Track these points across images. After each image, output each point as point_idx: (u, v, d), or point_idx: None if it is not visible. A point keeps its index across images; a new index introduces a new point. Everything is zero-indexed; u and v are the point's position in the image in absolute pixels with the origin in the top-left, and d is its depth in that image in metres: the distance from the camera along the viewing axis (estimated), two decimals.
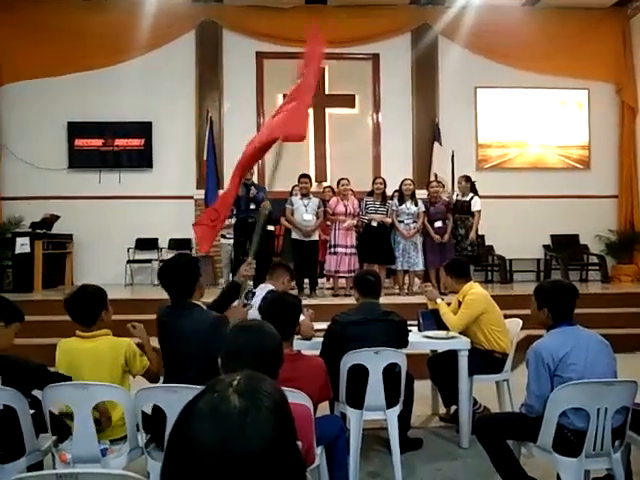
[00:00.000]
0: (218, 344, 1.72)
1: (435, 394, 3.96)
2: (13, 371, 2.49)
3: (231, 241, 6.97)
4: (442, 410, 3.95)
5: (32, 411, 2.36)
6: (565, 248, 8.74)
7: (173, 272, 2.66)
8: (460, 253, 6.60)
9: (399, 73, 9.05)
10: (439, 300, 3.77)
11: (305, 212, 6.34)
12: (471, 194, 6.91)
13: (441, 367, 3.64)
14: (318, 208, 6.42)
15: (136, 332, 2.73)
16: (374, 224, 6.39)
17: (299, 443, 0.77)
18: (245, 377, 0.76)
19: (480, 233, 7.54)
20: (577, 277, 8.73)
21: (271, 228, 6.73)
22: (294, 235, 6.42)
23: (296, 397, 2.08)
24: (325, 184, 8.27)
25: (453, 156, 8.40)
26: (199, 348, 2.48)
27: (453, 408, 3.76)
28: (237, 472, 0.67)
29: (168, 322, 2.62)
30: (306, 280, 6.57)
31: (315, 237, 6.44)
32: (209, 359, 2.55)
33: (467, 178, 7.02)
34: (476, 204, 6.82)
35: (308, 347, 3.17)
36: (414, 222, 6.51)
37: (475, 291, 3.70)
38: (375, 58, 9.15)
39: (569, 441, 2.31)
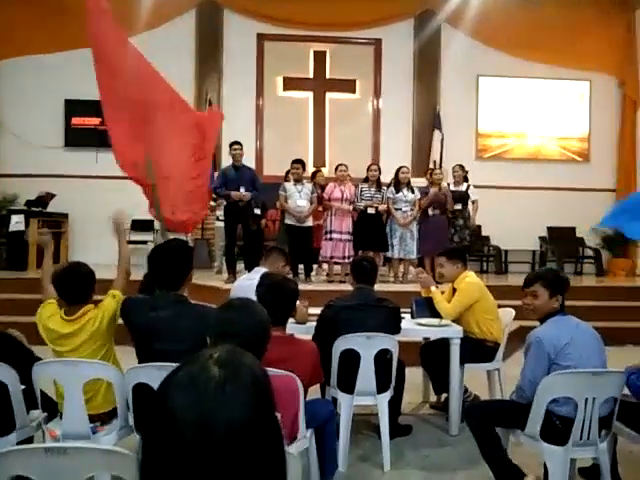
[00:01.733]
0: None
1: (426, 381, 3.98)
2: (7, 347, 2.49)
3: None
4: (433, 398, 3.97)
5: (22, 387, 2.36)
6: (561, 240, 8.76)
7: (165, 258, 2.49)
8: (460, 243, 6.63)
9: (401, 59, 8.99)
10: (433, 288, 3.77)
11: (299, 198, 6.30)
12: (466, 184, 6.94)
13: (433, 355, 3.65)
14: (312, 193, 6.39)
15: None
16: (371, 211, 6.37)
17: (278, 415, 0.77)
18: (225, 350, 0.76)
19: (477, 223, 7.57)
20: (572, 270, 8.76)
21: (257, 212, 6.68)
22: (287, 220, 6.39)
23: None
24: (324, 169, 8.23)
25: (442, 140, 8.29)
26: (196, 347, 2.43)
27: (444, 396, 3.78)
28: (216, 442, 0.67)
29: (154, 318, 2.41)
30: (301, 266, 6.57)
31: (309, 223, 6.41)
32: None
33: (462, 167, 7.03)
34: (474, 193, 6.90)
35: (302, 331, 3.17)
36: (411, 210, 6.51)
37: (470, 280, 3.70)
38: (377, 43, 9.08)
39: (557, 429, 2.33)
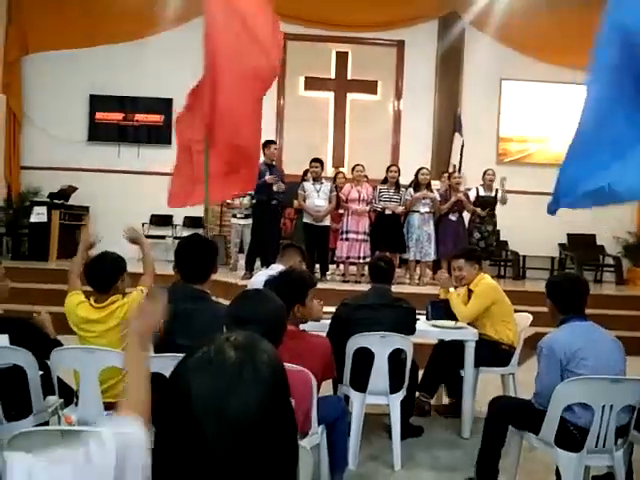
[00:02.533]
0: None
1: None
2: (27, 334, 2.53)
3: (241, 221, 6.96)
4: (445, 400, 3.94)
5: (40, 372, 2.40)
6: (581, 247, 8.63)
7: (193, 251, 2.52)
8: (486, 249, 6.56)
9: (423, 61, 8.94)
10: (452, 289, 3.74)
11: (317, 198, 6.31)
12: (496, 188, 6.81)
13: (446, 357, 3.62)
14: (330, 192, 6.39)
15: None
16: (388, 212, 6.36)
17: (292, 401, 0.77)
18: (242, 335, 0.76)
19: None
20: (592, 277, 8.62)
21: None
22: (305, 219, 6.40)
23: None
24: (342, 169, 8.22)
25: (463, 146, 8.15)
26: None
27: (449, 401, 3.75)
28: (230, 424, 0.67)
29: (170, 309, 2.39)
30: (317, 265, 6.56)
31: (327, 222, 6.42)
32: None
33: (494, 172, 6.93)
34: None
35: (316, 329, 3.16)
36: (429, 213, 6.49)
37: (486, 282, 3.67)
38: (400, 45, 9.05)
39: (572, 436, 2.29)
